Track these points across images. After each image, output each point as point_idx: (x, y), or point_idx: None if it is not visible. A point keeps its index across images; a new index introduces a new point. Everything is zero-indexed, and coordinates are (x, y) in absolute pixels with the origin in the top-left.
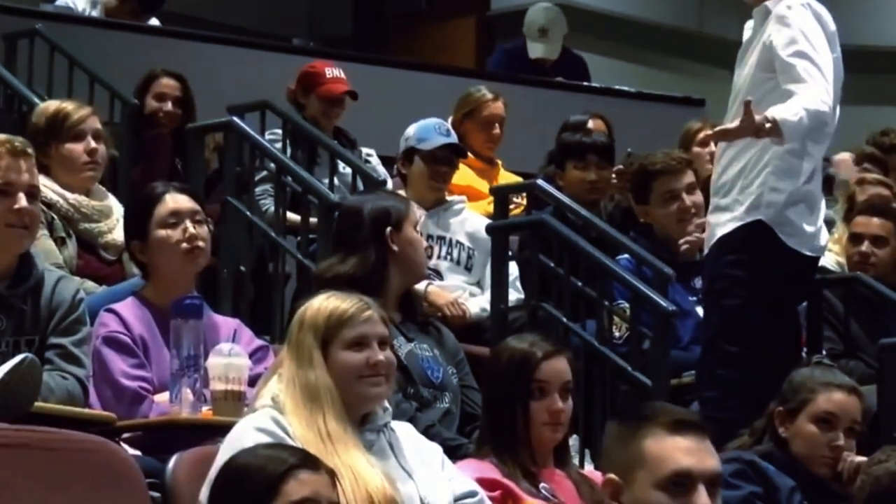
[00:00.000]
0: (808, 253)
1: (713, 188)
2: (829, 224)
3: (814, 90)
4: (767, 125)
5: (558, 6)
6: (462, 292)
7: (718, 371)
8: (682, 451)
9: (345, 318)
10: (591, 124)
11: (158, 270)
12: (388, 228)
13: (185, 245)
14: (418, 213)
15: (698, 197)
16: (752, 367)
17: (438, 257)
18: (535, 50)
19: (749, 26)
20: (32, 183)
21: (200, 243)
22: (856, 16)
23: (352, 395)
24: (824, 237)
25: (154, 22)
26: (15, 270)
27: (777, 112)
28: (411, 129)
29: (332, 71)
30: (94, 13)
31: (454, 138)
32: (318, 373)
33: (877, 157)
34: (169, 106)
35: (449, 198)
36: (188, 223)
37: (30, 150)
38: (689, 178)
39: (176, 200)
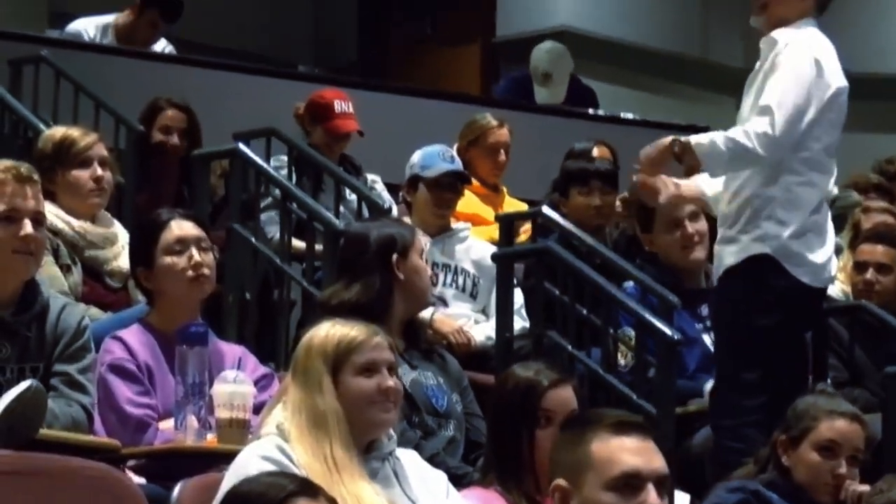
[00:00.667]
0: (816, 284)
1: (720, 218)
2: (838, 252)
3: (755, 122)
4: (676, 148)
5: (563, 32)
6: (467, 320)
7: (732, 399)
8: (628, 451)
9: (354, 345)
10: (595, 152)
11: (164, 297)
12: (394, 256)
13: (190, 272)
14: (423, 240)
15: (702, 224)
16: (765, 394)
17: (443, 285)
18: (541, 95)
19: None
20: (38, 210)
21: (206, 270)
22: (861, 43)
23: (361, 421)
24: (833, 267)
25: (163, 43)
26: (20, 297)
27: (693, 137)
28: (416, 157)
29: (342, 105)
30: (106, 40)
31: (458, 165)
32: (327, 399)
33: (882, 186)
34: (175, 139)
35: (454, 225)
36: (193, 250)
37: (35, 177)
38: (692, 206)
39: (181, 227)
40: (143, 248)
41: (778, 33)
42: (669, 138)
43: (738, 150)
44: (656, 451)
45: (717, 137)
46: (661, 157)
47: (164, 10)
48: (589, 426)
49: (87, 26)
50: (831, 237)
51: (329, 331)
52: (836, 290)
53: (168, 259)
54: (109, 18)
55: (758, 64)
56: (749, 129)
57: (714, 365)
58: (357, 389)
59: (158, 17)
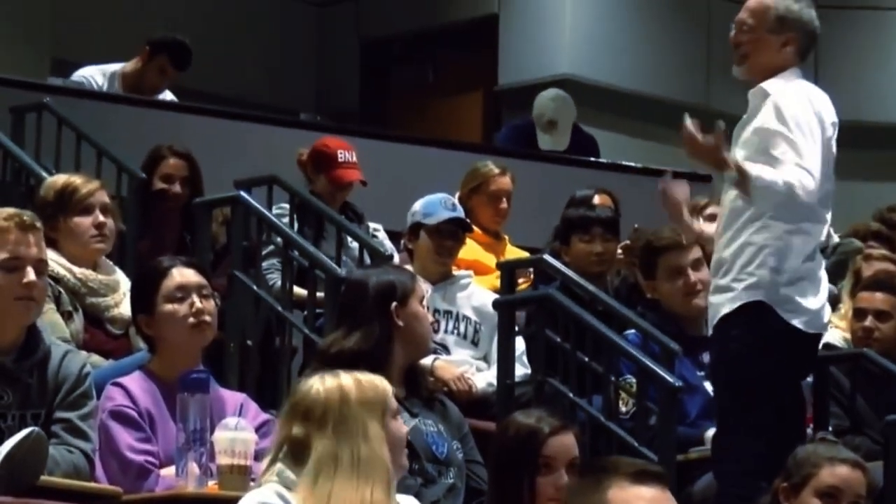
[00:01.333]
0: (811, 330)
1: (712, 267)
2: (834, 301)
3: (793, 169)
4: (733, 172)
5: (565, 80)
6: (469, 367)
7: (734, 444)
8: (646, 500)
9: (390, 393)
10: (596, 199)
11: (165, 344)
12: (393, 303)
13: (191, 319)
14: (424, 287)
15: (704, 273)
16: (765, 440)
17: (445, 332)
18: (544, 142)
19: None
20: (40, 257)
21: (207, 318)
22: (860, 92)
23: (398, 466)
24: (827, 314)
25: (167, 95)
26: (22, 343)
27: (753, 167)
28: (417, 205)
29: (345, 155)
30: (112, 89)
31: (460, 212)
32: (373, 445)
33: (882, 234)
34: (177, 188)
35: (455, 272)
36: (195, 297)
37: (38, 225)
38: (696, 254)
39: (183, 275)
40: (144, 295)
41: (768, 84)
42: (729, 156)
43: (791, 195)
44: (673, 501)
45: (776, 175)
46: (710, 154)
47: (174, 56)
48: (607, 474)
49: (94, 74)
50: (825, 285)
51: (357, 378)
52: (838, 337)
53: (169, 306)
54: (116, 67)
55: (745, 115)
56: (797, 177)
57: (715, 412)
58: (398, 434)
59: (168, 63)
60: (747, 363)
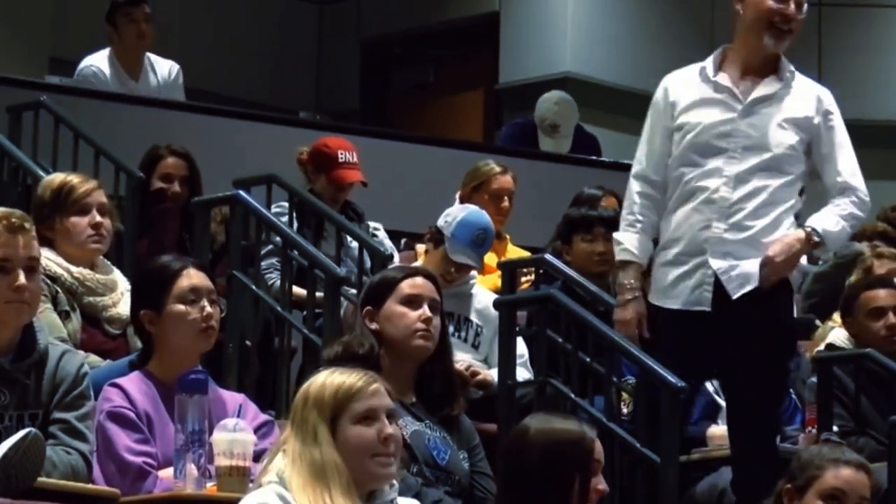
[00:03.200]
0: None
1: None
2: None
3: (858, 192)
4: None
5: (566, 79)
6: (471, 360)
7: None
8: None
9: (353, 392)
10: (603, 202)
11: (167, 345)
12: (367, 308)
13: (202, 324)
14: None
15: None
16: None
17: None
18: (546, 144)
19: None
20: (31, 255)
21: (214, 323)
22: (864, 90)
23: (362, 472)
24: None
25: (169, 63)
26: (18, 344)
27: (819, 227)
28: (455, 218)
29: (346, 155)
30: (113, 70)
31: (480, 259)
32: (324, 450)
33: (889, 235)
34: (176, 187)
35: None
36: (205, 302)
37: (28, 225)
38: None
39: (196, 277)
40: (152, 292)
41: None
42: (798, 239)
43: (854, 224)
44: None
45: (840, 221)
46: (797, 257)
47: (123, 2)
48: None
49: (100, 64)
50: None
51: (326, 379)
52: (842, 337)
53: (180, 307)
54: (106, 52)
55: (778, 84)
56: (857, 197)
57: (715, 411)
58: (357, 439)
59: (127, 7)
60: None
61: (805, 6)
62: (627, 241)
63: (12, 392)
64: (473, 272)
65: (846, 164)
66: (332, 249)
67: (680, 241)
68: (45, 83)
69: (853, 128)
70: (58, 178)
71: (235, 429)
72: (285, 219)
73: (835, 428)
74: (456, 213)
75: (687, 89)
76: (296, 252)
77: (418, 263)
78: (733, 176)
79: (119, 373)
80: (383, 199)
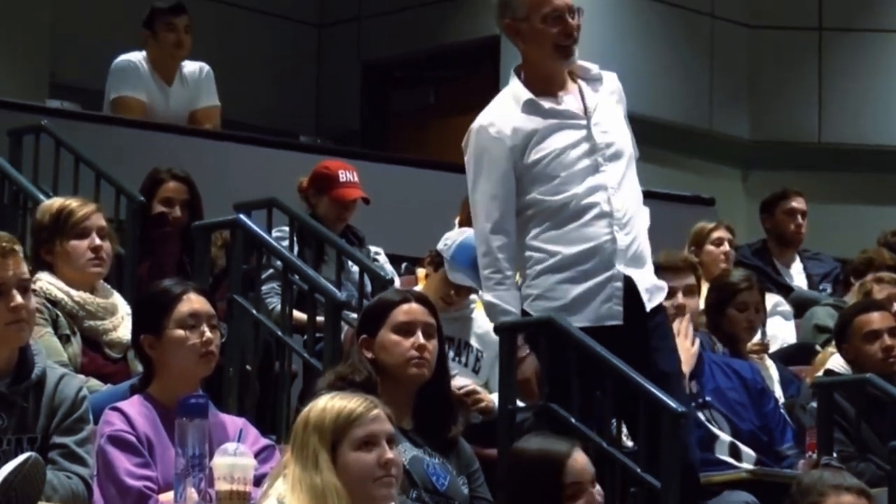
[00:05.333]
0: None
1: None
2: None
3: None
4: None
5: None
6: (469, 383)
7: None
8: None
9: (353, 418)
10: None
11: (167, 369)
12: (362, 336)
13: (202, 349)
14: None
15: (693, 301)
16: None
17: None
18: None
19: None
20: (22, 276)
21: (214, 348)
22: (864, 115)
23: (363, 497)
24: None
25: (198, 65)
26: (15, 367)
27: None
28: (455, 240)
29: (346, 174)
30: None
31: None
32: (324, 476)
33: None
34: (177, 211)
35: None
36: (205, 327)
37: (16, 247)
38: (689, 279)
39: (197, 301)
40: (152, 316)
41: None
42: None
43: None
44: None
45: None
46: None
47: (165, 9)
48: None
49: (135, 59)
50: None
51: (327, 404)
52: (841, 363)
53: (180, 332)
54: (141, 54)
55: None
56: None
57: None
58: (357, 464)
59: (166, 16)
60: None
61: (578, 10)
62: (504, 300)
63: (10, 415)
64: (473, 296)
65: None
66: (333, 274)
67: (581, 258)
68: (46, 107)
69: (853, 152)
70: (57, 202)
71: (236, 453)
72: (286, 243)
73: (834, 453)
74: (455, 236)
75: (520, 125)
76: (296, 276)
77: (419, 287)
78: (616, 186)
79: (120, 397)
80: (384, 224)
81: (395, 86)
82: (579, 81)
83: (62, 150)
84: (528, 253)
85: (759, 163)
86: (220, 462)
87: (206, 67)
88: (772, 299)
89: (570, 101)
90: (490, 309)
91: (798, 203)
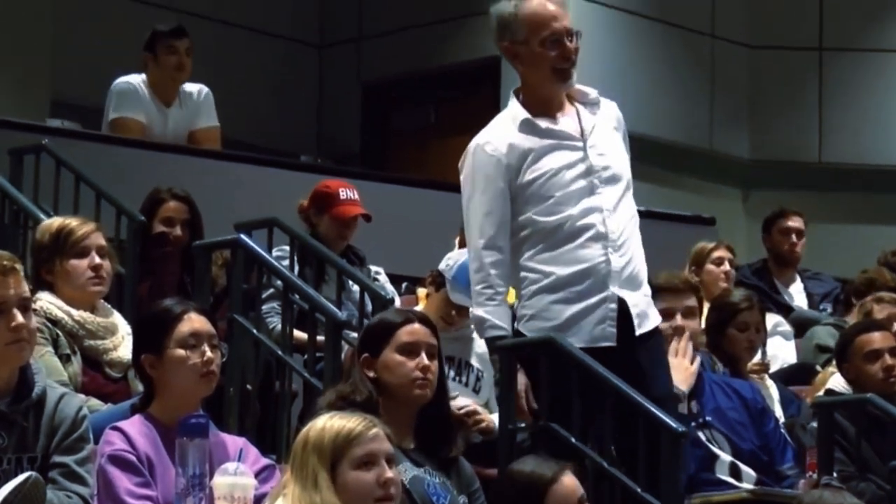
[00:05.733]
0: None
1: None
2: None
3: None
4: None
5: None
6: (469, 403)
7: None
8: None
9: (352, 437)
10: None
11: (167, 388)
12: (364, 354)
13: (202, 369)
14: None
15: (693, 323)
16: None
17: (448, 379)
18: None
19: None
20: (23, 295)
21: (214, 368)
22: (865, 134)
23: None
24: None
25: (199, 86)
26: (15, 386)
27: None
28: (457, 260)
29: (347, 192)
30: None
31: None
32: (324, 495)
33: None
34: (177, 230)
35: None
36: (206, 347)
37: (17, 266)
38: (690, 301)
39: (198, 321)
40: (153, 336)
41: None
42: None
43: None
44: None
45: None
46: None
47: (165, 32)
48: None
49: (134, 81)
50: None
51: (326, 423)
52: (841, 383)
53: (181, 351)
54: (139, 77)
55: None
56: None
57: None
58: (356, 484)
59: (167, 39)
60: None
61: (577, 33)
62: (494, 316)
63: (10, 435)
64: None
65: None
66: (333, 293)
67: (575, 279)
68: (47, 126)
69: (854, 172)
70: (56, 221)
71: (236, 472)
72: (286, 262)
73: (835, 473)
74: (457, 257)
75: (516, 143)
76: (297, 296)
77: (419, 307)
78: (611, 208)
79: (120, 416)
80: (384, 243)
81: (395, 106)
82: (577, 104)
83: (63, 169)
84: (522, 273)
85: (759, 182)
86: (221, 482)
87: (205, 89)
88: (772, 319)
89: (566, 122)
90: (479, 324)
91: (794, 222)
